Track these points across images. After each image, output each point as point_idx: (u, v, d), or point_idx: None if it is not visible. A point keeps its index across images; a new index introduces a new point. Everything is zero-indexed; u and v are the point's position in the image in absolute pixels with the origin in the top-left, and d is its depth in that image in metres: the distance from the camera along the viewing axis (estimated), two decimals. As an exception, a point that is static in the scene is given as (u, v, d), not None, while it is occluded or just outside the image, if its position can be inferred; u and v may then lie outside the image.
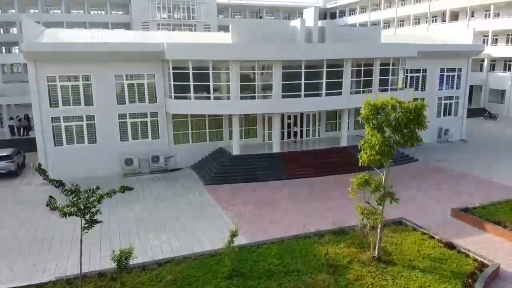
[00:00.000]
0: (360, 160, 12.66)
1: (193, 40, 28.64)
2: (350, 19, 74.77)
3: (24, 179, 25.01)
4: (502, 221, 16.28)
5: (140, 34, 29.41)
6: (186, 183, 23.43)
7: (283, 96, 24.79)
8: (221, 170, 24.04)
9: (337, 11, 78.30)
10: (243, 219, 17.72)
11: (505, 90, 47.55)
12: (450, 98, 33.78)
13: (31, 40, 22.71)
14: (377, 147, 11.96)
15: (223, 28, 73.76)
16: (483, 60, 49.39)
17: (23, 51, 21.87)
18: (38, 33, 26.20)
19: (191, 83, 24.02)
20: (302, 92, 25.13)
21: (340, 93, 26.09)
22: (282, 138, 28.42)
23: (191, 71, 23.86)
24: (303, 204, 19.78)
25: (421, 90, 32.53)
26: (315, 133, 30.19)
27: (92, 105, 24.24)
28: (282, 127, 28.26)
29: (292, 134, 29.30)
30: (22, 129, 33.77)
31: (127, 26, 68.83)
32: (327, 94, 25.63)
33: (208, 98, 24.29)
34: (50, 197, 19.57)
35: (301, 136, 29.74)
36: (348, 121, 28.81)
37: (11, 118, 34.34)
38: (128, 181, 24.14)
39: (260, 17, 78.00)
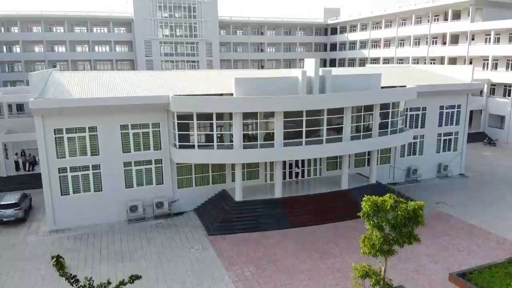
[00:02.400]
0: (361, 252, 13.13)
1: (198, 83, 29.09)
2: (351, 36, 75.26)
3: (32, 225, 25.50)
4: (498, 291, 16.79)
5: (144, 78, 29.70)
6: (190, 233, 23.91)
7: (284, 144, 25.26)
8: (224, 219, 24.55)
9: (338, 27, 78.78)
10: (246, 285, 18.21)
11: (504, 116, 47.97)
12: (450, 134, 34.25)
13: (38, 94, 23.21)
14: (378, 246, 12.45)
15: (225, 45, 74.55)
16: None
17: (30, 108, 22.35)
18: (45, 77, 26.79)
19: (195, 132, 24.61)
20: (304, 139, 25.59)
21: (340, 139, 26.56)
22: (284, 177, 28.96)
23: (195, 121, 24.44)
24: (305, 263, 20.23)
25: (421, 128, 33.04)
26: (316, 172, 30.70)
27: (98, 154, 24.74)
28: (284, 167, 28.78)
29: (293, 174, 29.82)
30: (27, 164, 34.28)
31: (129, 44, 69.50)
32: (327, 141, 26.08)
33: (212, 147, 24.78)
34: (58, 255, 20.26)
35: (303, 176, 30.26)
36: (349, 160, 29.30)
37: (16, 154, 34.83)
38: (133, 227, 24.79)
39: (262, 33, 78.55)
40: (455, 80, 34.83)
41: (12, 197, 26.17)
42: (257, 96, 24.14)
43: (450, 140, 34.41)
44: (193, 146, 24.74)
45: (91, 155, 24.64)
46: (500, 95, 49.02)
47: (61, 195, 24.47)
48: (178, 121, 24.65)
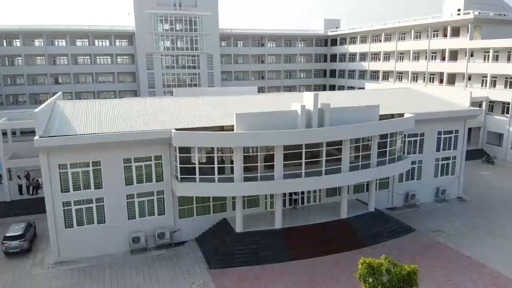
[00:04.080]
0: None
1: (201, 113, 29.56)
2: (351, 48, 75.73)
3: (36, 256, 25.97)
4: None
5: (148, 107, 30.18)
6: (191, 266, 24.38)
7: (284, 176, 25.73)
8: (225, 251, 25.04)
9: (338, 38, 79.25)
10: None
11: (503, 134, 48.39)
12: (447, 158, 34.68)
13: (43, 131, 23.71)
14: (374, 310, 12.93)
15: (226, 57, 75.11)
16: (481, 101, 50.26)
17: (35, 146, 22.86)
18: (49, 110, 27.29)
19: (197, 165, 25.06)
20: (303, 171, 26.07)
21: (339, 170, 27.02)
22: (284, 205, 29.44)
23: (196, 155, 24.93)
24: (304, 300, 20.73)
25: (419, 153, 33.49)
26: (316, 199, 31.18)
27: (102, 188, 25.25)
28: (284, 195, 29.22)
29: (293, 201, 30.29)
30: (31, 188, 34.76)
31: (131, 56, 70.02)
32: (327, 172, 26.53)
33: (213, 180, 25.24)
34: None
35: (302, 203, 30.75)
36: (348, 186, 29.67)
37: (19, 177, 35.33)
38: (135, 259, 25.27)
39: (262, 45, 79.07)
40: (452, 105, 35.29)
41: (17, 228, 26.72)
42: (257, 131, 24.62)
43: (448, 164, 34.85)
44: (194, 179, 25.20)
45: (95, 188, 25.15)
46: (499, 113, 49.47)
47: (65, 227, 24.99)
48: (180, 154, 25.12)
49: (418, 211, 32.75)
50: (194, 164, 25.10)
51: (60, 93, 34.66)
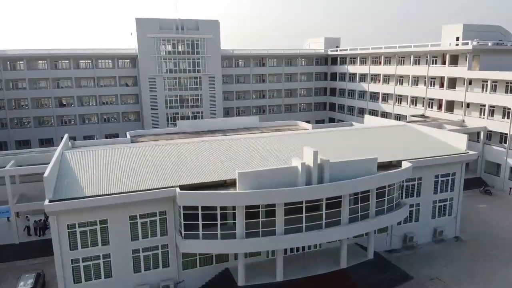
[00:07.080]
0: None
1: (206, 163, 30.46)
2: (351, 68, 76.52)
3: (45, 308, 26.93)
4: None
5: (153, 159, 30.98)
6: (196, 322, 25.26)
7: (285, 231, 26.54)
8: (228, 307, 25.92)
9: (338, 58, 79.97)
10: None
11: (500, 164, 49.12)
12: (445, 200, 35.43)
13: (53, 194, 24.59)
14: None
15: (227, 77, 76.06)
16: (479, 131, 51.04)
17: (46, 211, 23.75)
18: (56, 164, 28.13)
19: (200, 222, 25.88)
20: (304, 225, 26.88)
21: (339, 222, 27.83)
22: (285, 252, 30.28)
23: (200, 212, 25.73)
24: None
25: (417, 196, 34.26)
26: (316, 245, 31.93)
27: (108, 244, 26.11)
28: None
29: (294, 248, 31.11)
30: (38, 229, 35.64)
31: (134, 79, 70.90)
32: (327, 225, 27.36)
33: (216, 237, 26.06)
34: None
35: (303, 249, 31.55)
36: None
37: (27, 217, 36.20)
38: (141, 313, 26.13)
39: (263, 64, 79.96)
40: (449, 147, 36.01)
41: (27, 277, 27.97)
42: (259, 191, 25.40)
43: (445, 206, 35.59)
44: (198, 236, 26.00)
45: (102, 245, 25.99)
46: (497, 142, 50.13)
47: (74, 283, 25.85)
48: (184, 212, 25.95)
49: (416, 253, 33.52)
50: (198, 221, 25.93)
51: (66, 136, 35.33)
